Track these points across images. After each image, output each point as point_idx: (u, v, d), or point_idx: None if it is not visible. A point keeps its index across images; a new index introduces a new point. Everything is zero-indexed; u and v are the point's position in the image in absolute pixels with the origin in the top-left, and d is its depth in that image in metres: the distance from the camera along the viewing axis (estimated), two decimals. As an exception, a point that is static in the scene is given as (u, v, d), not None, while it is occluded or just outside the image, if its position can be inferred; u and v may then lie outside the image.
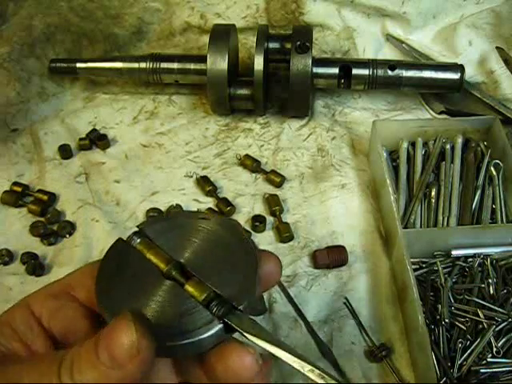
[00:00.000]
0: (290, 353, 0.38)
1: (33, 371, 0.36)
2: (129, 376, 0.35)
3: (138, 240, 0.44)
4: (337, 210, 0.77)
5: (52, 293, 0.42)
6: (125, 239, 0.44)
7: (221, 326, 0.38)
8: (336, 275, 0.70)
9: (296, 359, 0.38)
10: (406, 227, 0.72)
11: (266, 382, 0.40)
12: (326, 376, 0.38)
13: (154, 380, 0.40)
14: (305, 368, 0.38)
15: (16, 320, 0.40)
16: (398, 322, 0.66)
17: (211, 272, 0.41)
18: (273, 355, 0.38)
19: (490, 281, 0.66)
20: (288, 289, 0.69)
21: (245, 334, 0.39)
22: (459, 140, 0.78)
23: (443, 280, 0.67)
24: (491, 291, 0.66)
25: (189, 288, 0.40)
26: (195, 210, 0.77)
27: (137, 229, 0.44)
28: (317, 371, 0.38)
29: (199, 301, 0.39)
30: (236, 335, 0.39)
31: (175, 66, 0.87)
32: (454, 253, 0.69)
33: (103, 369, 0.34)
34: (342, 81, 0.86)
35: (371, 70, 0.84)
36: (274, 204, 0.76)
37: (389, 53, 0.96)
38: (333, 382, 0.38)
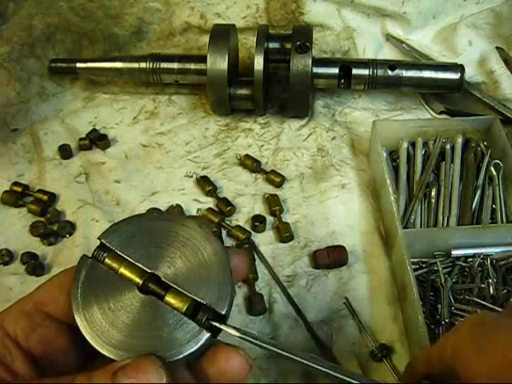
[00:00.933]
0: (284, 350, 0.39)
1: None
2: None
3: (105, 254, 0.42)
4: (337, 210, 0.77)
5: (25, 312, 0.41)
6: (90, 255, 0.42)
7: (209, 334, 0.38)
8: (336, 275, 0.70)
9: (290, 355, 0.39)
10: (406, 227, 0.72)
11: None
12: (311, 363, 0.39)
13: None
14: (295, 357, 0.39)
15: None
16: (397, 322, 0.66)
17: (187, 280, 0.40)
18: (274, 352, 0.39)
19: (490, 281, 0.66)
20: (288, 289, 0.69)
21: (242, 336, 0.39)
22: (459, 140, 0.78)
23: (443, 280, 0.67)
24: (491, 291, 0.66)
25: (169, 300, 0.39)
26: (195, 210, 0.77)
27: (99, 241, 0.43)
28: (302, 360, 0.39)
29: (182, 312, 0.39)
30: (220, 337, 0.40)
31: (175, 65, 0.87)
32: (454, 253, 0.69)
33: None
34: (342, 81, 0.86)
35: (371, 70, 0.84)
36: (274, 204, 0.76)
37: (389, 53, 0.96)
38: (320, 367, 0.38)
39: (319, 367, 0.39)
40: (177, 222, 0.43)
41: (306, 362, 0.39)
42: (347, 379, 0.38)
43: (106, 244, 0.43)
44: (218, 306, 0.39)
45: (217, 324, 0.39)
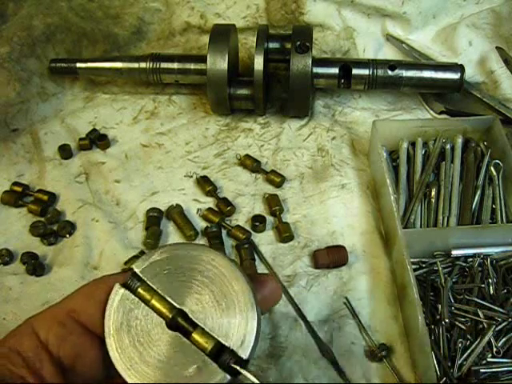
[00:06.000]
0: None
1: None
2: None
3: (138, 284, 0.43)
4: (337, 210, 0.77)
5: (58, 319, 0.41)
6: (123, 283, 0.43)
7: (229, 378, 0.39)
8: (336, 275, 0.70)
9: None
10: (406, 227, 0.72)
11: None
12: None
13: None
14: None
15: (24, 348, 0.39)
16: (398, 322, 0.66)
17: (213, 318, 0.41)
18: None
19: (490, 281, 0.66)
20: (288, 289, 0.69)
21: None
22: (459, 140, 0.78)
23: (443, 280, 0.67)
24: (491, 291, 0.66)
25: (195, 339, 0.41)
26: (195, 210, 0.77)
27: (133, 270, 0.44)
28: None
29: (206, 353, 0.40)
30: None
31: (175, 65, 0.87)
32: (454, 253, 0.69)
33: None
34: (342, 81, 0.86)
35: (371, 70, 0.84)
36: (274, 204, 0.76)
37: (389, 53, 0.96)
38: None
39: None
40: (208, 257, 0.44)
41: None
42: None
43: (139, 274, 0.43)
44: (242, 351, 0.40)
45: (239, 369, 0.40)
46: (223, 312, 0.42)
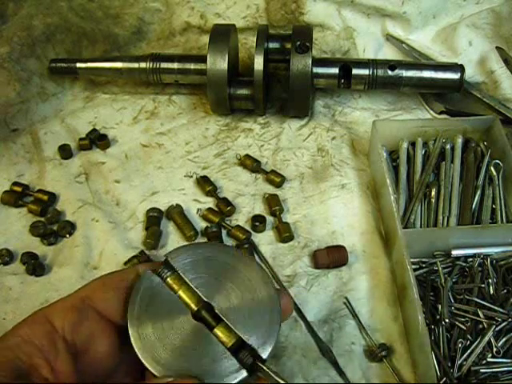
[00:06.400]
0: None
1: None
2: None
3: (168, 273, 0.44)
4: (337, 210, 0.77)
5: (73, 305, 0.42)
6: (153, 270, 0.45)
7: (246, 374, 0.41)
8: (336, 275, 0.70)
9: None
10: (406, 227, 0.72)
11: None
12: None
13: None
14: None
15: (38, 336, 0.39)
16: (398, 322, 0.66)
17: (238, 317, 0.42)
18: None
19: (490, 281, 0.66)
20: (288, 289, 0.69)
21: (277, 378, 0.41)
22: (459, 140, 0.78)
23: (443, 280, 0.67)
24: (491, 291, 0.66)
25: (218, 333, 0.42)
26: (195, 210, 0.77)
27: (165, 258, 0.45)
28: None
29: (227, 347, 0.41)
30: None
31: (175, 65, 0.87)
32: (454, 253, 0.69)
33: None
34: (342, 81, 0.86)
35: (371, 70, 0.84)
36: (274, 204, 0.76)
37: (389, 53, 0.96)
38: None
39: None
40: (240, 260, 0.45)
41: None
42: None
43: (172, 263, 0.45)
44: (262, 350, 0.42)
45: (262, 366, 0.41)
46: (249, 312, 0.43)
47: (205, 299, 0.43)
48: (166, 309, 0.43)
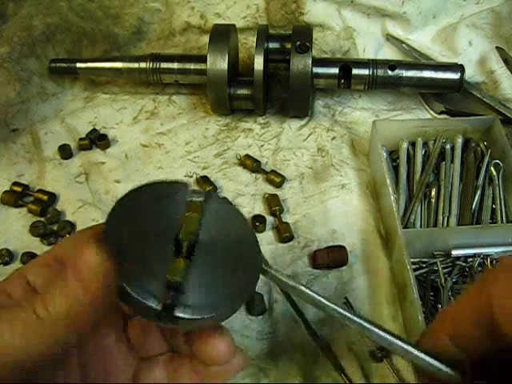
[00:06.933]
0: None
1: (11, 311, 0.36)
2: (95, 300, 0.36)
3: (199, 199, 0.43)
4: (337, 210, 0.77)
5: (45, 262, 0.43)
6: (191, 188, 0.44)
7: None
8: (336, 275, 0.70)
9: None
10: (406, 227, 0.72)
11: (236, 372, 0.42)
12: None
13: (145, 345, 0.44)
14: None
15: (12, 288, 0.41)
16: (397, 322, 0.66)
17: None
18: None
19: (490, 281, 0.66)
20: (288, 289, 0.69)
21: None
22: (459, 140, 0.78)
23: (443, 280, 0.67)
24: (491, 291, 0.66)
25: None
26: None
27: (206, 190, 0.46)
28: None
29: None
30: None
31: (175, 65, 0.87)
32: (454, 253, 0.69)
33: (73, 294, 0.36)
34: (342, 81, 0.86)
35: (371, 70, 0.84)
36: (274, 204, 0.76)
37: (389, 53, 0.96)
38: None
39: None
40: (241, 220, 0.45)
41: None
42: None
43: (208, 197, 0.45)
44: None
45: (267, 268, 0.43)
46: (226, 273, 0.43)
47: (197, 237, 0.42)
48: (155, 218, 0.42)
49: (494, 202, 0.74)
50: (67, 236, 0.44)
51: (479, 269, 0.68)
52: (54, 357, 0.36)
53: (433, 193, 0.74)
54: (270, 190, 0.80)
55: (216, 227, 0.43)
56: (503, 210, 0.74)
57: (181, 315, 0.38)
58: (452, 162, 0.77)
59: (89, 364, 0.43)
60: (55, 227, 0.75)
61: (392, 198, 0.69)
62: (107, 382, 0.44)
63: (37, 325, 0.35)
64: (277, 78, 0.93)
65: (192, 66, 0.87)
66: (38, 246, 0.74)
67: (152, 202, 0.43)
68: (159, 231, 0.41)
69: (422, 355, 0.40)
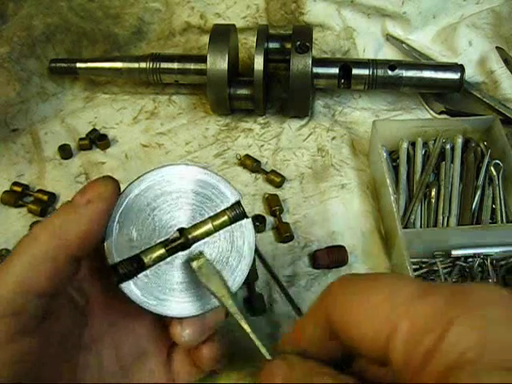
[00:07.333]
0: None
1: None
2: (94, 214, 0.44)
3: (229, 215, 0.49)
4: (337, 210, 0.77)
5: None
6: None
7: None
8: (336, 275, 0.70)
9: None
10: (406, 227, 0.72)
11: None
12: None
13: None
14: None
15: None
16: (397, 322, 0.66)
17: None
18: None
19: (490, 281, 0.66)
20: (288, 289, 0.69)
21: None
22: (459, 140, 0.78)
23: (443, 280, 0.67)
24: (491, 291, 0.66)
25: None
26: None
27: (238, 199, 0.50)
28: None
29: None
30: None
31: (175, 65, 0.87)
32: (454, 253, 0.69)
33: (78, 209, 0.44)
34: (342, 81, 0.86)
35: (371, 70, 0.84)
36: (274, 204, 0.76)
37: (389, 53, 0.96)
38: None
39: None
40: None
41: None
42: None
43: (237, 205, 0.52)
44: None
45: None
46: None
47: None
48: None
49: (494, 202, 0.74)
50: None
51: (479, 269, 0.68)
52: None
53: (433, 193, 0.74)
54: (270, 190, 0.80)
55: (219, 249, 0.46)
56: (503, 210, 0.74)
57: (123, 289, 0.43)
58: (452, 162, 0.77)
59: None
60: (55, 227, 0.75)
61: (392, 198, 0.69)
62: None
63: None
64: (277, 78, 0.93)
65: (192, 66, 0.87)
66: (37, 246, 0.73)
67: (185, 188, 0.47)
68: (173, 216, 0.46)
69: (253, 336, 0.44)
